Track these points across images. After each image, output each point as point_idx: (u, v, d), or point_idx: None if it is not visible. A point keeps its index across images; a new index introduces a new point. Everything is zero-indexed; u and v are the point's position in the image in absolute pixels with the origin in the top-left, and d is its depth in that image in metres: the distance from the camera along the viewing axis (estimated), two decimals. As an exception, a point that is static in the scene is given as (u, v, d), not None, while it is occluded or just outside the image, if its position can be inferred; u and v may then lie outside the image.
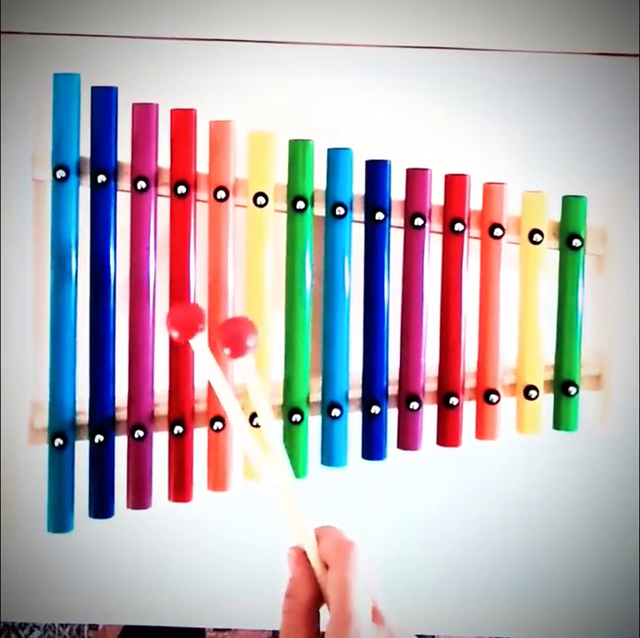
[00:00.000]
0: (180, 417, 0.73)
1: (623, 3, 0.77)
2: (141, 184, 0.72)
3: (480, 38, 0.79)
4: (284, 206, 0.73)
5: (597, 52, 0.78)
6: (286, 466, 0.56)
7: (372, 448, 0.74)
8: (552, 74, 0.79)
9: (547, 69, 0.79)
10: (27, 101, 0.72)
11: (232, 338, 0.55)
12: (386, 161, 0.73)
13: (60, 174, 0.71)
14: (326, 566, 0.53)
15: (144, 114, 0.72)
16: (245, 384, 0.56)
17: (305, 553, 0.55)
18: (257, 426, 0.72)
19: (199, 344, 0.56)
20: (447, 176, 0.73)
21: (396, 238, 0.73)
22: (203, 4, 0.78)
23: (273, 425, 0.57)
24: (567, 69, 0.79)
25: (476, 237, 0.74)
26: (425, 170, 0.73)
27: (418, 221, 0.73)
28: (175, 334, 0.56)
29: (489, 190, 0.74)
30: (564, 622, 0.84)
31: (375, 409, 0.74)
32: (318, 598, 0.53)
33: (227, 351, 0.55)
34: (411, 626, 0.80)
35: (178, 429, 0.73)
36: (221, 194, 0.72)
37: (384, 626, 0.52)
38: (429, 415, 0.74)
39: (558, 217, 0.74)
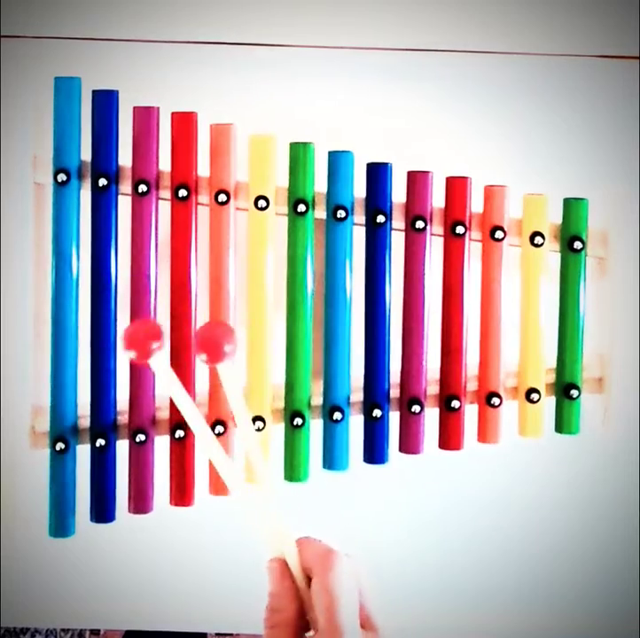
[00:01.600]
0: (181, 421, 0.73)
1: (623, 6, 0.78)
2: (142, 188, 0.72)
3: (480, 41, 0.79)
4: (286, 210, 0.73)
5: (598, 55, 0.78)
6: (266, 474, 0.55)
7: (374, 452, 0.74)
8: (553, 77, 0.79)
9: (548, 71, 0.79)
10: (27, 105, 0.72)
11: (209, 344, 0.53)
12: (386, 164, 0.73)
13: (61, 177, 0.71)
14: (308, 578, 0.52)
15: (145, 117, 0.72)
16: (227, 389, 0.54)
17: (287, 565, 0.52)
18: (259, 430, 0.73)
19: (159, 364, 0.51)
20: (448, 179, 0.73)
21: (397, 241, 0.73)
22: (203, 7, 0.78)
23: (251, 432, 0.55)
24: (568, 72, 0.79)
25: (477, 240, 0.74)
26: (426, 173, 0.73)
27: (419, 224, 0.73)
28: (132, 355, 0.51)
29: (490, 192, 0.73)
30: (565, 625, 0.83)
31: (376, 413, 0.73)
32: (302, 612, 0.51)
33: (203, 357, 0.52)
34: (412, 629, 0.81)
35: (179, 433, 0.73)
36: (222, 197, 0.72)
37: (374, 632, 0.51)
38: (431, 418, 0.74)
39: (559, 219, 0.74)
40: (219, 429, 0.73)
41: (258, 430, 0.73)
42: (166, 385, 0.53)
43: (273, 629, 0.51)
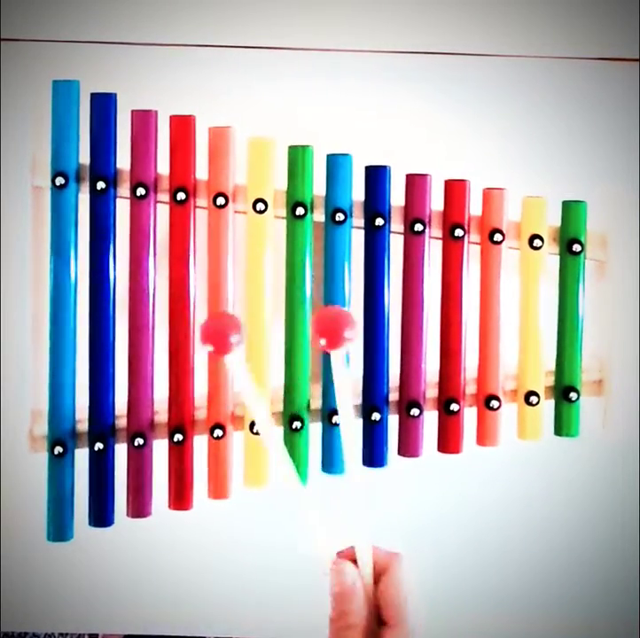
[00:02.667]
0: (180, 425, 0.73)
1: (623, 8, 0.77)
2: (140, 191, 0.72)
3: (479, 43, 0.78)
4: (284, 212, 0.73)
5: (598, 57, 0.78)
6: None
7: (373, 455, 0.74)
8: (552, 79, 0.79)
9: (547, 74, 0.79)
10: (26, 108, 0.72)
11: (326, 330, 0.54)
12: (385, 167, 0.73)
13: (59, 181, 0.71)
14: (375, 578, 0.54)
15: (144, 121, 0.72)
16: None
17: (352, 566, 0.54)
18: (257, 434, 0.72)
19: (235, 360, 0.54)
20: (446, 182, 0.73)
21: (396, 244, 0.73)
22: (202, 11, 0.78)
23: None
24: (567, 74, 0.79)
25: (476, 243, 0.74)
26: (424, 176, 0.73)
27: (418, 227, 0.73)
28: (210, 348, 0.54)
29: (489, 195, 0.73)
30: (565, 628, 0.83)
31: (375, 416, 0.73)
32: (370, 611, 0.54)
33: (323, 342, 0.54)
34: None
35: (178, 436, 0.72)
36: (220, 200, 0.72)
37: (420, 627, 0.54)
38: (430, 421, 0.74)
39: (558, 222, 0.74)
40: (217, 433, 0.72)
41: (256, 433, 0.73)
42: (240, 380, 0.55)
43: (347, 631, 0.52)
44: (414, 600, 0.53)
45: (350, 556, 0.55)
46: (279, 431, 0.57)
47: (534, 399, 0.74)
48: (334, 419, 0.73)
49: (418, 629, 0.52)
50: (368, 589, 0.54)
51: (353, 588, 0.53)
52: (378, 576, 0.54)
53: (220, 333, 0.54)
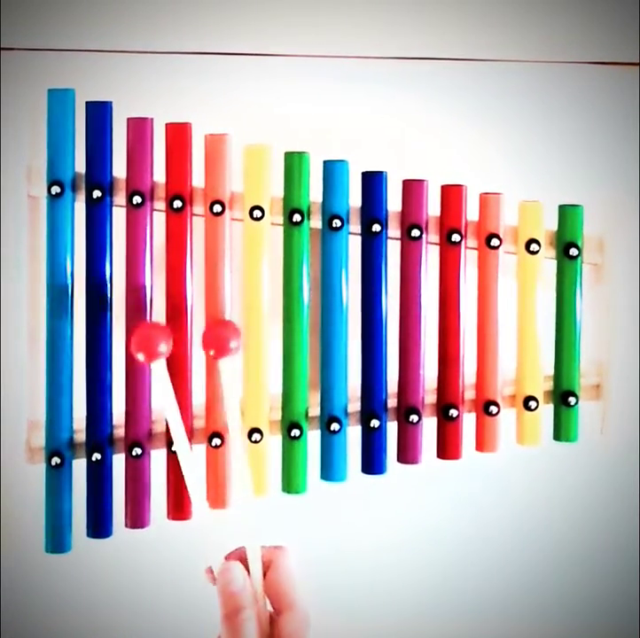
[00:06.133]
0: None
1: (623, 12, 0.78)
2: (136, 199, 0.71)
3: (477, 48, 0.79)
4: (281, 219, 0.73)
5: (597, 61, 0.79)
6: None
7: (372, 462, 0.74)
8: (551, 84, 0.79)
9: (546, 78, 0.79)
10: (23, 117, 0.72)
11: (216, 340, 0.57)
12: (382, 173, 0.73)
13: (55, 190, 0.71)
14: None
15: (140, 129, 0.72)
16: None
17: (241, 565, 0.60)
18: (256, 442, 0.72)
19: (160, 369, 0.56)
20: (443, 187, 0.73)
21: (393, 250, 0.73)
22: (198, 18, 0.78)
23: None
24: (566, 78, 0.79)
25: (473, 248, 0.74)
26: (421, 181, 0.73)
27: (415, 233, 0.73)
28: (141, 356, 0.57)
29: (486, 200, 0.73)
30: (565, 633, 0.83)
31: (374, 423, 0.73)
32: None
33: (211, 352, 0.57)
34: (411, 635, 0.81)
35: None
36: (217, 208, 0.72)
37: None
38: (429, 427, 0.74)
39: (555, 226, 0.74)
40: (216, 441, 0.72)
41: (255, 442, 0.72)
42: (162, 392, 0.56)
43: (243, 624, 0.56)
44: (300, 587, 0.59)
45: (239, 556, 0.61)
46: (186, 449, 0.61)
47: (532, 404, 0.74)
48: (333, 426, 0.72)
49: (308, 612, 0.58)
50: (258, 584, 0.60)
51: (243, 585, 0.58)
52: (266, 570, 0.60)
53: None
